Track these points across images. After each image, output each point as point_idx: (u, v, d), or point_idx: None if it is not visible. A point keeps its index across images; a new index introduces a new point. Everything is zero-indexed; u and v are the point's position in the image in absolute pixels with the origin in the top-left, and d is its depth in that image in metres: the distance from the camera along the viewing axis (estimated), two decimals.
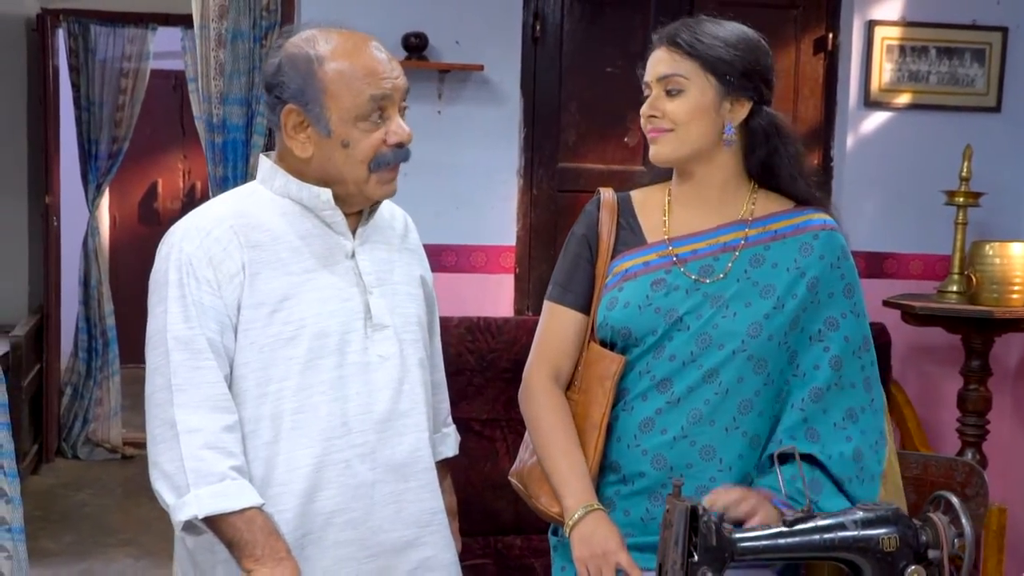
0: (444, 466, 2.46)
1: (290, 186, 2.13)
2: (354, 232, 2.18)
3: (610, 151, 4.36)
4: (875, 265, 4.43)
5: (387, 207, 2.32)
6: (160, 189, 8.90)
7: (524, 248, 4.31)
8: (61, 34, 6.70)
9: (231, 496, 1.97)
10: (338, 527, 2.09)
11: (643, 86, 2.24)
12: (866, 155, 4.42)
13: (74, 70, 6.73)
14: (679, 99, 2.17)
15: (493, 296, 4.25)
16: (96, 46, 6.75)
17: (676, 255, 2.22)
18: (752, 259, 2.20)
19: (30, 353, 6.07)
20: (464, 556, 3.74)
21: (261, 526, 1.98)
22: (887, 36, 4.35)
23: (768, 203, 2.25)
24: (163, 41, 6.90)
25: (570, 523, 2.16)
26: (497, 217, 4.27)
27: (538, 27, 4.28)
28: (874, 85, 4.36)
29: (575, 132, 4.36)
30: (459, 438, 2.53)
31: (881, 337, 4.20)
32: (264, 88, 2.14)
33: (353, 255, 2.16)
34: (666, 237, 2.25)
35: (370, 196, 2.14)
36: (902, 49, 4.37)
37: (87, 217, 6.86)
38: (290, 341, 2.06)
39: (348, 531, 2.10)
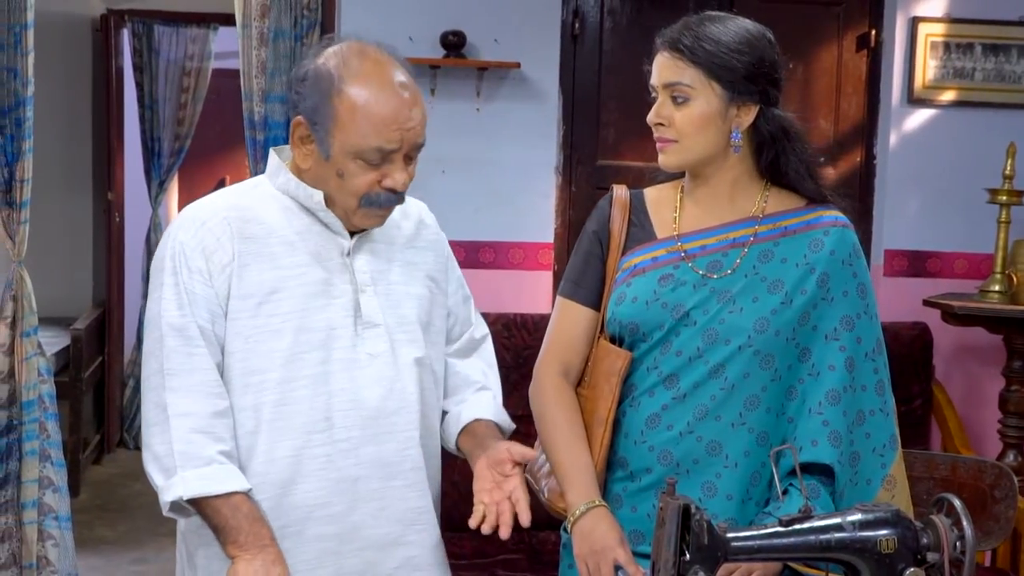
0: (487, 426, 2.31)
1: (290, 183, 2.15)
2: (353, 232, 2.19)
3: (650, 148, 4.25)
4: (918, 264, 4.40)
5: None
6: (228, 185, 9.03)
7: (562, 245, 4.33)
8: (126, 34, 6.84)
9: (216, 480, 2.00)
10: (318, 521, 2.10)
11: (650, 88, 2.22)
12: (909, 153, 4.38)
13: (138, 69, 6.88)
14: (685, 108, 2.14)
15: (531, 293, 4.27)
16: (159, 46, 6.90)
17: (685, 251, 2.21)
18: (761, 255, 2.18)
19: (91, 346, 6.20)
20: (497, 551, 3.80)
21: (247, 513, 2.01)
22: (931, 33, 4.31)
23: (780, 200, 2.23)
24: (230, 41, 7.01)
25: (571, 519, 2.16)
26: (535, 214, 4.30)
27: (577, 25, 4.30)
28: (918, 82, 4.32)
29: (614, 130, 4.37)
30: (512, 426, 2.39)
31: (923, 337, 4.17)
32: (291, 84, 2.17)
33: (349, 254, 2.16)
34: (675, 233, 2.24)
35: (356, 225, 2.15)
36: (947, 46, 4.32)
37: (150, 213, 7.01)
38: (275, 333, 2.08)
39: (329, 525, 2.11)
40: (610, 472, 2.25)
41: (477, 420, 2.30)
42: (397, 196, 2.11)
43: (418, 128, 2.07)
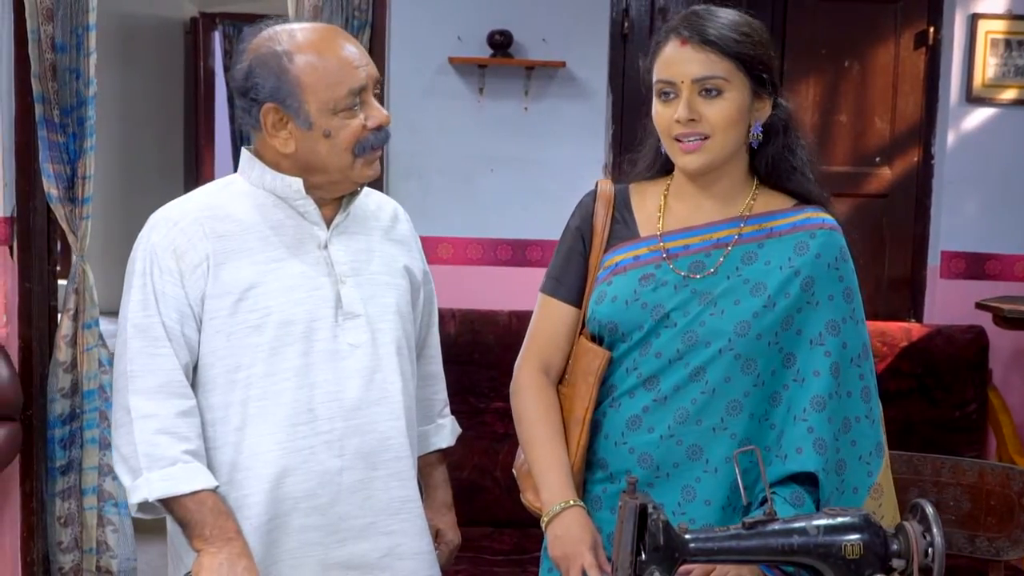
0: (440, 457, 2.49)
1: (265, 176, 2.17)
2: (332, 223, 2.21)
3: None
4: (976, 266, 4.30)
5: (374, 199, 2.34)
6: None
7: None
8: (216, 36, 7.04)
9: (181, 479, 2.04)
10: (303, 512, 2.14)
11: (663, 86, 2.11)
12: (968, 152, 4.29)
13: (228, 70, 7.06)
14: (719, 102, 2.07)
15: None
16: None
17: (667, 250, 2.16)
18: (744, 256, 2.13)
19: None
20: (536, 546, 3.80)
21: (211, 507, 2.05)
22: (991, 30, 4.21)
23: (769, 201, 2.18)
24: None
25: (546, 519, 2.13)
26: None
27: (626, 24, 4.30)
28: (977, 80, 4.23)
29: None
30: (458, 430, 2.53)
31: (979, 340, 4.07)
32: (236, 94, 2.17)
33: (326, 245, 2.19)
34: (658, 232, 2.19)
35: (356, 180, 2.17)
36: (1007, 43, 4.22)
37: None
38: (256, 329, 2.11)
39: (314, 516, 2.14)
40: (590, 473, 2.21)
41: (437, 450, 2.50)
42: (384, 133, 2.15)
43: (372, 64, 2.14)
